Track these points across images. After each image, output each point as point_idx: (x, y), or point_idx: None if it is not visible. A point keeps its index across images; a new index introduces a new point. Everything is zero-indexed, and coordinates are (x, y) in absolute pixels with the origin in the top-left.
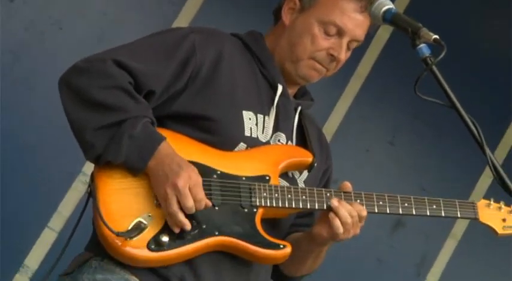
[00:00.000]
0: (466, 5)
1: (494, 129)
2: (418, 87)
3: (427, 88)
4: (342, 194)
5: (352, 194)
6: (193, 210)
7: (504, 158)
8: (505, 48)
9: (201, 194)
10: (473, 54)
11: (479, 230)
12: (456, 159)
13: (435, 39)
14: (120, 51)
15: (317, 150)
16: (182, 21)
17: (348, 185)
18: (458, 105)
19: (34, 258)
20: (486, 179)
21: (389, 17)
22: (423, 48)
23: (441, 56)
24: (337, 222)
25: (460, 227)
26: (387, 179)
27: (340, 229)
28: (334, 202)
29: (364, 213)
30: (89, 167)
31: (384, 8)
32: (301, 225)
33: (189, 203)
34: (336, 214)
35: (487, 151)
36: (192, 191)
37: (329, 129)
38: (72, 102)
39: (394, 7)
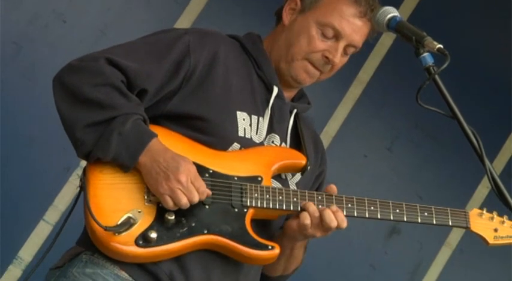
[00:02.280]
0: (466, 16)
1: (492, 140)
2: (419, 96)
3: (427, 96)
4: (334, 198)
5: (344, 198)
6: (197, 202)
7: (503, 168)
8: (505, 58)
9: (203, 185)
10: (473, 64)
11: (474, 240)
12: (454, 168)
13: (439, 48)
14: (114, 50)
15: (311, 153)
16: (186, 20)
17: (333, 188)
18: (459, 115)
19: (28, 250)
20: (483, 189)
21: (393, 25)
22: (427, 57)
23: (444, 65)
24: (304, 213)
25: (455, 236)
26: (384, 185)
27: (308, 219)
28: (308, 205)
29: (344, 225)
30: (85, 163)
31: (389, 16)
32: None
33: (195, 197)
34: (306, 207)
35: (487, 162)
36: (194, 184)
37: (328, 133)
38: (63, 100)
39: (398, 15)
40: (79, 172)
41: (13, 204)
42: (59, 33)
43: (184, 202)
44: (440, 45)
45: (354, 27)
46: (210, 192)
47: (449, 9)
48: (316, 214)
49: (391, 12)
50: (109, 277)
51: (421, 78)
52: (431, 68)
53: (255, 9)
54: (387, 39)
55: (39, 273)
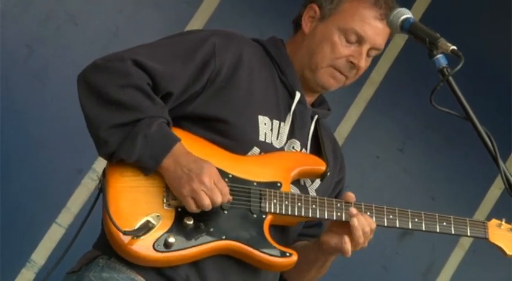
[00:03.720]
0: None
1: (506, 140)
2: (433, 97)
3: (440, 98)
4: (352, 204)
5: (362, 205)
6: (220, 203)
7: None
8: None
9: (226, 187)
10: (490, 66)
11: (487, 244)
12: (466, 169)
13: (453, 50)
14: (140, 51)
15: (331, 160)
16: (198, 21)
17: (351, 196)
18: (473, 117)
19: (41, 253)
20: (496, 190)
21: (407, 27)
22: (440, 58)
23: (458, 66)
24: (345, 238)
25: (468, 238)
26: (396, 186)
27: (348, 244)
28: (354, 218)
29: (374, 226)
30: (98, 164)
31: (402, 17)
32: (308, 235)
33: (219, 198)
34: (351, 228)
35: (501, 163)
36: (218, 185)
37: (340, 134)
38: (89, 99)
39: (412, 16)
40: (91, 174)
41: (25, 207)
42: (71, 36)
43: (207, 203)
44: (454, 47)
45: (376, 30)
46: (230, 197)
47: (463, 8)
48: (361, 239)
49: (405, 13)
50: None
51: (433, 79)
52: (445, 69)
53: (266, 11)
54: (399, 40)
55: (54, 277)
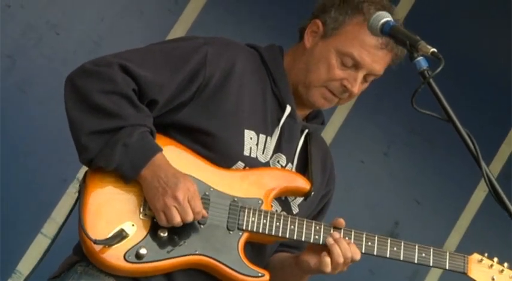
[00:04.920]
0: (464, 18)
1: (490, 142)
2: (414, 100)
3: (423, 100)
4: (332, 229)
5: (342, 231)
6: (190, 222)
7: (499, 172)
8: (504, 60)
9: (199, 206)
10: (470, 66)
11: (473, 244)
12: (451, 172)
13: (433, 52)
14: (129, 56)
15: (318, 175)
16: (179, 29)
17: (341, 222)
18: (455, 119)
19: (27, 264)
20: (480, 192)
21: (387, 30)
22: (421, 61)
23: (439, 69)
24: (327, 259)
25: (453, 242)
26: (382, 190)
27: (328, 268)
28: (330, 240)
29: (358, 257)
30: (83, 174)
31: (382, 21)
32: (289, 246)
33: (189, 217)
34: (330, 253)
35: (483, 165)
36: (191, 203)
37: (325, 140)
38: (73, 103)
39: (392, 20)
40: (76, 183)
41: (10, 218)
42: (53, 45)
43: (177, 220)
44: (434, 49)
45: (374, 58)
46: (206, 214)
47: (445, 8)
48: (340, 259)
49: (385, 17)
50: None
51: (416, 81)
52: (425, 72)
53: (248, 18)
54: None
55: None
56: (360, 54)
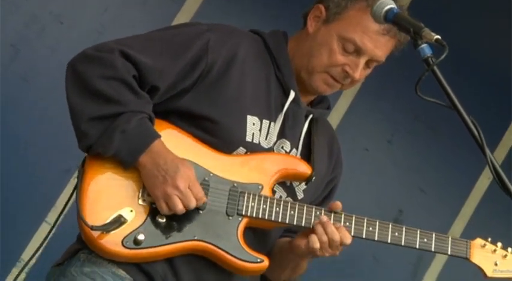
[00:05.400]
0: (466, 5)
1: (493, 130)
2: (418, 87)
3: (427, 88)
4: (332, 214)
5: (342, 216)
6: (193, 208)
7: (503, 159)
8: (505, 49)
9: (201, 192)
10: (473, 54)
11: (478, 230)
12: (455, 159)
13: (437, 39)
14: (131, 42)
15: (323, 161)
16: (182, 18)
17: (338, 204)
18: (459, 106)
19: (31, 252)
20: (485, 180)
21: (391, 17)
22: (425, 48)
23: (443, 56)
24: (313, 237)
25: (458, 228)
26: (386, 178)
27: (316, 251)
28: (318, 223)
29: (348, 241)
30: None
31: (386, 8)
32: (293, 232)
33: (192, 203)
34: (316, 234)
35: (488, 152)
36: (192, 190)
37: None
38: (74, 88)
39: (396, 7)
40: None
41: (15, 207)
42: (57, 35)
43: (180, 208)
44: (438, 36)
45: (376, 44)
46: (206, 199)
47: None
48: (324, 237)
49: (388, 4)
50: (107, 275)
51: (420, 69)
52: (429, 59)
53: (251, 8)
54: None
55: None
56: (362, 40)
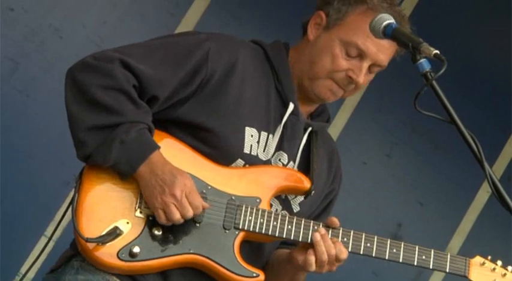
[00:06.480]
0: (466, 20)
1: (493, 142)
2: (417, 102)
3: (425, 101)
4: (330, 230)
5: (340, 231)
6: (191, 217)
7: (503, 172)
8: (505, 61)
9: (197, 200)
10: (472, 67)
11: (475, 246)
12: (454, 173)
13: (436, 54)
14: (130, 51)
15: (322, 174)
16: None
17: (335, 221)
18: (458, 120)
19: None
20: (484, 193)
21: (389, 32)
22: (423, 63)
23: (441, 71)
24: (311, 258)
25: (457, 242)
26: (384, 192)
27: (313, 266)
28: (317, 236)
29: (344, 256)
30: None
31: (385, 23)
32: (289, 244)
33: (189, 212)
34: (314, 250)
35: (487, 167)
36: (188, 198)
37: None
38: (73, 97)
39: (394, 22)
40: None
41: (14, 220)
42: (56, 49)
43: (177, 217)
44: (437, 51)
45: (379, 48)
46: (206, 204)
47: (448, 10)
48: (324, 257)
49: (387, 19)
50: None
51: (418, 83)
52: (428, 74)
53: (251, 21)
54: None
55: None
56: (365, 43)
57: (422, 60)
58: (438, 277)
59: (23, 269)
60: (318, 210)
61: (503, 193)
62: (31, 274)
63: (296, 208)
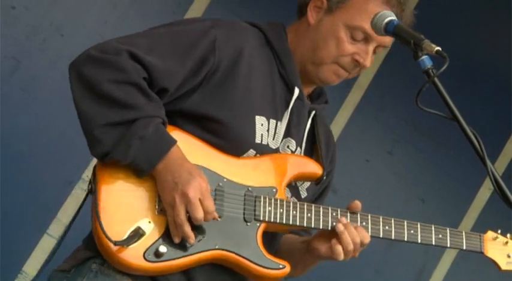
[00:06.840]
0: (467, 18)
1: (494, 140)
2: (419, 100)
3: (427, 98)
4: (348, 214)
5: (358, 215)
6: (202, 222)
7: (504, 170)
8: (506, 60)
9: (212, 206)
10: (474, 66)
11: None
12: (455, 170)
13: (437, 51)
14: (136, 42)
15: (326, 158)
16: None
17: (357, 205)
18: (459, 117)
19: (33, 264)
20: (485, 190)
21: (391, 29)
22: (425, 60)
23: (443, 67)
24: (339, 248)
25: None
26: (386, 189)
27: (341, 256)
28: (340, 227)
29: (367, 240)
30: (88, 175)
31: (386, 20)
32: (295, 231)
33: (200, 215)
34: (340, 240)
35: (488, 164)
36: (203, 203)
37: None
38: (82, 93)
39: (396, 19)
40: (81, 184)
41: (16, 218)
42: (57, 47)
43: (182, 217)
44: (439, 48)
45: None
46: (217, 216)
47: (448, 10)
48: (350, 246)
49: (388, 16)
50: None
51: (420, 81)
52: (430, 70)
53: (251, 19)
54: None
55: None
56: (371, 27)
57: (424, 57)
58: (440, 274)
59: (25, 267)
60: (318, 192)
61: (505, 190)
62: (33, 272)
63: (304, 194)
